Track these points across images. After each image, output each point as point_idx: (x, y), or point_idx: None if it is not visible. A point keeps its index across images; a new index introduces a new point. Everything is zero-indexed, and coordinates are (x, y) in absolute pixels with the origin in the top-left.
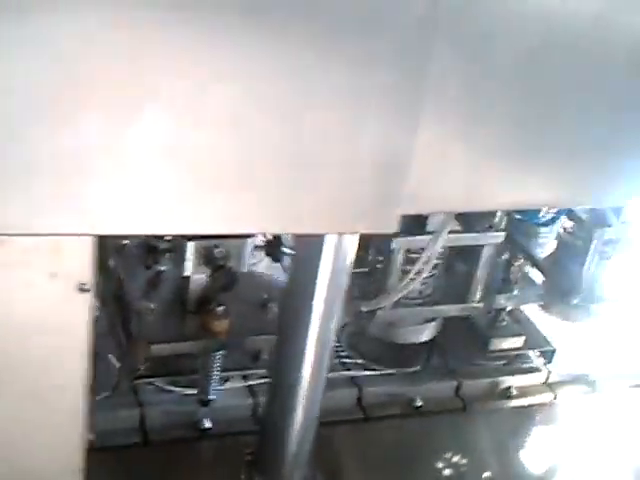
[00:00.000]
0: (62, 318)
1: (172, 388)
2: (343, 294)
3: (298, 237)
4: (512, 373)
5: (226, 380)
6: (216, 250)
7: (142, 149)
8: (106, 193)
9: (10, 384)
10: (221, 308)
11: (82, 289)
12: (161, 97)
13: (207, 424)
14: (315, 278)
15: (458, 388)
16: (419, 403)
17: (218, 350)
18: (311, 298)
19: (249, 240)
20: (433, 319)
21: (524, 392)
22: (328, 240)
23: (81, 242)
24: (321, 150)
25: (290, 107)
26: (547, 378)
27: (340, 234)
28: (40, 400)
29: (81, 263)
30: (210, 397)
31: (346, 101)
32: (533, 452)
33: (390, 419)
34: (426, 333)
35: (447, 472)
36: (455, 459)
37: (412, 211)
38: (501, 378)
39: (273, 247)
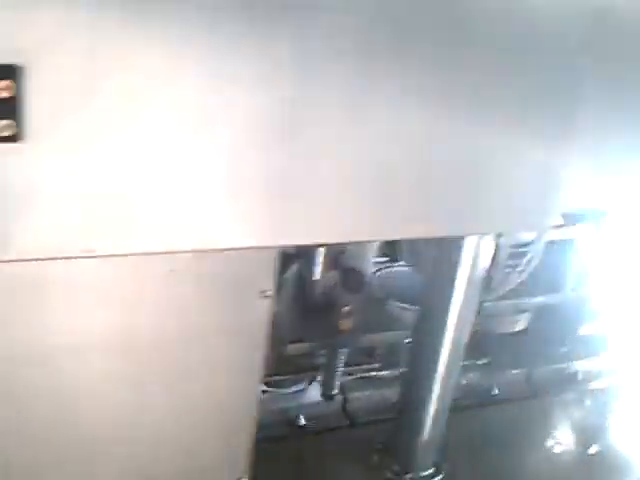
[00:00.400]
0: (244, 322)
1: (266, 388)
2: (479, 292)
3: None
4: (579, 358)
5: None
6: (343, 254)
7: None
8: (296, 210)
9: (185, 392)
10: (347, 308)
11: (264, 295)
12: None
13: (302, 421)
14: (454, 277)
15: (529, 375)
16: (495, 391)
17: (344, 347)
18: (450, 296)
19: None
20: (526, 309)
21: (590, 376)
22: (468, 242)
23: (266, 253)
24: (493, 161)
25: (472, 128)
26: (612, 362)
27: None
28: (214, 399)
29: (265, 272)
30: (334, 392)
31: (517, 119)
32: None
33: (471, 409)
34: (520, 323)
35: (546, 451)
36: (546, 440)
37: (566, 210)
38: (569, 363)
39: (392, 248)
